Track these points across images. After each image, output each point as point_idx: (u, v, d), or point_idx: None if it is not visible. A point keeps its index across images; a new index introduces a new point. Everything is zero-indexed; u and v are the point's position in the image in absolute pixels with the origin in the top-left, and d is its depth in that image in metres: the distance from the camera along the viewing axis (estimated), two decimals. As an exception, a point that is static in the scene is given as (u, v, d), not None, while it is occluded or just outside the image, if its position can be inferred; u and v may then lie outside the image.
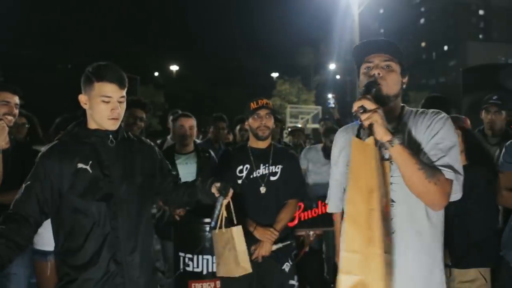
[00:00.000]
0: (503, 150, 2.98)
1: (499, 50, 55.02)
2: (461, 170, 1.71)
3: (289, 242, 3.20)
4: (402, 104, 1.89)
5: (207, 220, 3.48)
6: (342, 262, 1.43)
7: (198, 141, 4.77)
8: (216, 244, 2.54)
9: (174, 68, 43.17)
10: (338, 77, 41.69)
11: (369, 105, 1.55)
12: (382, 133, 1.55)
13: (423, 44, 70.14)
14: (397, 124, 1.81)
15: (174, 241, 3.68)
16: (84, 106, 2.11)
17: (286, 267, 3.13)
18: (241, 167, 3.18)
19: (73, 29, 48.47)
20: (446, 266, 2.81)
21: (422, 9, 70.01)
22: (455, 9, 64.74)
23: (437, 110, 1.84)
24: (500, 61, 44.33)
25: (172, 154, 4.08)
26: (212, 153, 4.22)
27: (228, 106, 29.05)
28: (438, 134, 1.73)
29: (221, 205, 2.24)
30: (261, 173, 3.15)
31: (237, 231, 2.46)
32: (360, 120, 1.56)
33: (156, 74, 41.66)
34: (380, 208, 1.44)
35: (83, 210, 2.04)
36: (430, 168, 1.64)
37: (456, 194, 1.71)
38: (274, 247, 3.07)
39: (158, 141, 5.43)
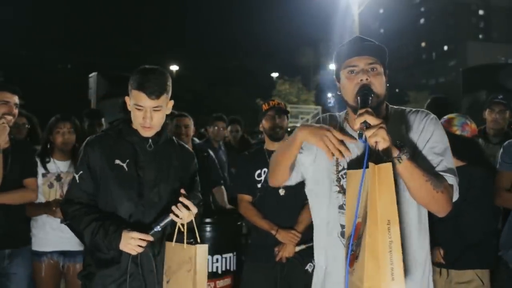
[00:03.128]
0: (501, 150, 2.97)
1: (499, 50, 54.97)
2: (455, 171, 1.68)
3: (312, 243, 3.18)
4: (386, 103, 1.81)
5: (208, 220, 3.48)
6: None
7: (198, 141, 4.76)
8: (169, 259, 2.11)
9: (174, 68, 43.10)
10: (338, 77, 41.53)
11: (373, 120, 1.44)
12: (389, 150, 1.46)
13: (423, 44, 70.06)
14: (386, 125, 1.74)
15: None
16: (129, 108, 2.14)
17: (310, 267, 3.10)
18: (259, 171, 3.18)
19: (73, 29, 48.49)
20: (442, 266, 2.84)
21: (422, 9, 69.94)
22: (455, 9, 64.69)
23: (425, 110, 1.78)
24: (500, 61, 44.19)
25: None
26: (211, 153, 4.20)
27: (227, 106, 28.96)
28: (432, 137, 1.68)
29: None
30: None
31: (202, 251, 2.03)
32: (365, 137, 1.45)
33: (156, 74, 41.49)
34: (399, 240, 1.37)
35: (114, 206, 2.07)
36: (436, 177, 1.58)
37: (455, 196, 1.68)
38: (297, 249, 3.06)
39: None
